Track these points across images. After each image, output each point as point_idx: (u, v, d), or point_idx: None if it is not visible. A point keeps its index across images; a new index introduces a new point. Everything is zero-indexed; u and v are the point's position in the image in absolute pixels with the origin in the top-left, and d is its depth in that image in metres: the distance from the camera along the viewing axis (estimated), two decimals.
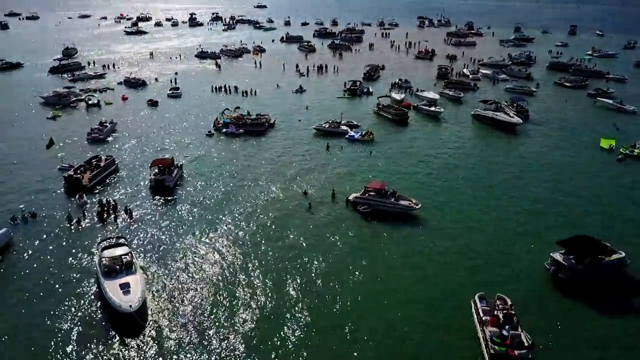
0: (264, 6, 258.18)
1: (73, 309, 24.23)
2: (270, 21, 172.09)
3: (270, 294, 25.70)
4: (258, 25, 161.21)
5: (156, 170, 38.44)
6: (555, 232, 30.56)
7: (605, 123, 56.51)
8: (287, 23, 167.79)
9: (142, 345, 22.07)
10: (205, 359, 21.36)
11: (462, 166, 43.61)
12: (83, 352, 21.49)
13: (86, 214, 33.52)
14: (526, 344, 20.79)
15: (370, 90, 70.07)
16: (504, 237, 31.60)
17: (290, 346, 22.12)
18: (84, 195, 35.83)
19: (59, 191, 37.33)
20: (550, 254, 27.63)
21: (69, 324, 23.19)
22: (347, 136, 49.91)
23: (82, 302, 24.77)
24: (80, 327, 23.02)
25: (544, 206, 36.00)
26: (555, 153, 47.26)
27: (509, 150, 48.50)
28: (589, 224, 33.00)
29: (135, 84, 73.71)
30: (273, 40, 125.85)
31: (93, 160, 40.67)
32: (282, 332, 22.90)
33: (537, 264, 28.22)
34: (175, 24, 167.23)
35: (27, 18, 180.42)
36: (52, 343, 22.05)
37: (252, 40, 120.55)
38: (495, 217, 34.24)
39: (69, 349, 21.71)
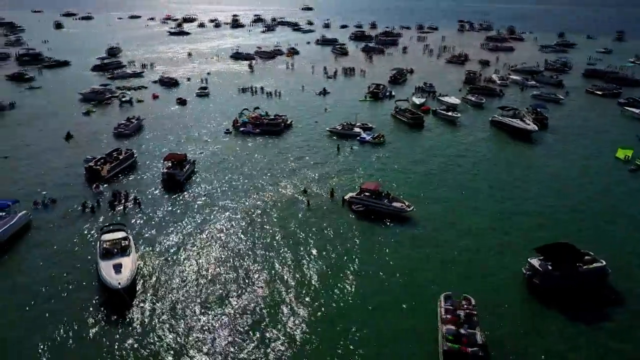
0: (311, 8, 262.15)
1: (72, 284, 26.71)
2: (310, 23, 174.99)
3: (257, 282, 27.39)
4: (297, 27, 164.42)
5: (169, 165, 40.97)
6: (546, 239, 30.63)
7: (628, 133, 55.11)
8: (327, 25, 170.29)
9: (127, 320, 24.21)
10: (183, 334, 23.26)
11: (465, 171, 43.91)
12: (74, 318, 23.90)
13: (100, 202, 36.35)
14: (479, 342, 21.59)
15: (393, 93, 70.86)
16: (492, 242, 31.97)
17: (272, 332, 23.71)
18: (100, 185, 38.78)
19: (80, 180, 40.55)
20: (529, 259, 28.01)
21: (66, 299, 25.71)
22: (358, 138, 51.11)
23: (81, 278, 27.23)
24: (75, 297, 25.57)
25: (541, 213, 35.96)
26: (566, 161, 46.70)
27: (519, 156, 48.31)
28: (581, 231, 32.97)
29: (168, 83, 77.50)
30: (308, 43, 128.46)
31: (114, 153, 43.71)
32: (261, 319, 24.55)
33: (518, 269, 28.63)
34: (218, 25, 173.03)
35: (82, 18, 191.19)
36: (50, 307, 24.89)
37: (288, 42, 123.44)
38: (487, 222, 34.57)
39: (64, 315, 24.20)
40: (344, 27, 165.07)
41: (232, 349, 22.47)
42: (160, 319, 24.27)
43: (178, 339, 23.00)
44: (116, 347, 22.37)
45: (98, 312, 24.75)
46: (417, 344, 22.89)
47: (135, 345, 22.45)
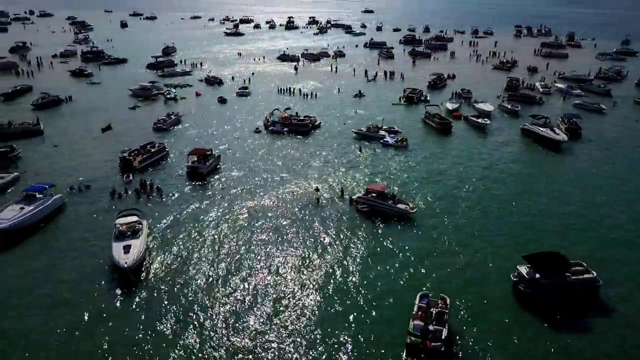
0: (371, 11, 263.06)
1: (89, 261, 29.75)
2: (363, 26, 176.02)
3: (257, 270, 29.37)
4: (349, 30, 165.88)
5: (194, 159, 43.79)
6: (545, 247, 30.53)
7: None
8: (379, 28, 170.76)
9: (131, 297, 26.82)
10: (182, 315, 25.53)
11: (480, 177, 43.95)
12: (83, 291, 26.81)
13: (128, 190, 39.60)
14: (443, 338, 22.44)
15: (428, 98, 70.95)
16: (491, 248, 32.25)
17: (265, 323, 25.59)
18: (131, 174, 42.14)
19: (114, 170, 44.15)
20: (518, 266, 28.27)
21: (83, 270, 28.80)
22: (382, 141, 52.06)
23: (98, 257, 30.21)
24: (89, 272, 28.63)
25: (547, 221, 35.74)
26: (590, 173, 45.58)
27: (542, 166, 47.54)
28: (584, 242, 32.70)
29: (213, 81, 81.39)
30: (357, 46, 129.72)
31: (147, 146, 47.10)
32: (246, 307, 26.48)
33: (508, 276, 28.90)
34: (272, 27, 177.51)
35: (147, 18, 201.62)
36: (68, 279, 28.02)
37: (336, 45, 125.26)
38: (490, 228, 34.80)
39: (80, 286, 27.24)
40: (396, 30, 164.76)
41: (228, 332, 24.48)
42: (163, 299, 26.64)
43: (176, 318, 25.18)
44: (116, 321, 24.91)
45: (106, 288, 27.55)
46: (389, 337, 24.00)
47: (135, 322, 24.87)
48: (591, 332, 24.91)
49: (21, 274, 28.65)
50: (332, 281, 28.58)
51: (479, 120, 58.38)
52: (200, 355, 22.77)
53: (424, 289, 26.90)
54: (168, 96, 70.46)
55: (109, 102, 68.11)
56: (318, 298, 26.99)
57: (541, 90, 76.94)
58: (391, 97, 72.99)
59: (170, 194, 39.46)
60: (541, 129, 53.48)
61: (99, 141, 51.36)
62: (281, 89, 76.94)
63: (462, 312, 25.92)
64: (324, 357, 22.80)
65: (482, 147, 52.43)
